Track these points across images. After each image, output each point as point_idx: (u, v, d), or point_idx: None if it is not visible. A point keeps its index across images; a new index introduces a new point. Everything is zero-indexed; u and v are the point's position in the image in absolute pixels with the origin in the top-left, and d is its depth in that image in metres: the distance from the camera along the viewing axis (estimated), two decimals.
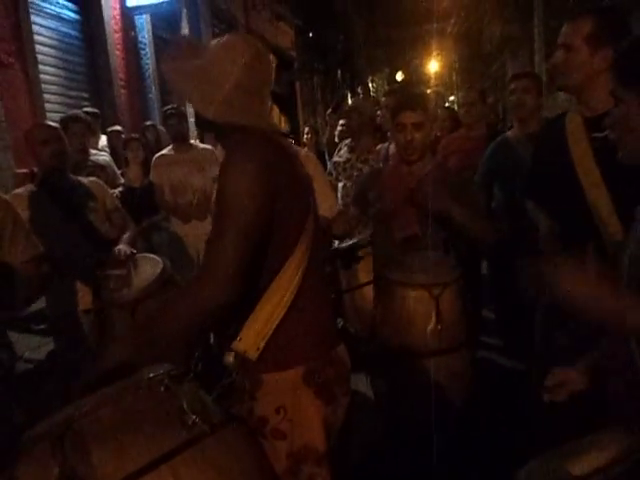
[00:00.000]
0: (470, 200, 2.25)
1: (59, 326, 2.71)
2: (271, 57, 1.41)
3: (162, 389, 1.11)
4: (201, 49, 1.40)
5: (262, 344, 1.31)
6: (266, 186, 1.26)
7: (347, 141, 4.26)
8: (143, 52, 7.56)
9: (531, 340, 2.07)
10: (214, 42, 1.40)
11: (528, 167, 2.13)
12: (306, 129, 6.34)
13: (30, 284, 1.90)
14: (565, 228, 1.91)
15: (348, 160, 4.07)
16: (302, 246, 1.36)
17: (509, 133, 3.14)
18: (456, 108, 7.25)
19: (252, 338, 1.31)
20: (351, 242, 2.93)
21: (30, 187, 2.67)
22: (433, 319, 1.97)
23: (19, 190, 2.66)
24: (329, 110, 6.49)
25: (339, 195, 3.94)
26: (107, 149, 4.87)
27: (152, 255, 2.64)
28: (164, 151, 4.11)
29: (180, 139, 3.99)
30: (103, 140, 5.05)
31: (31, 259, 1.89)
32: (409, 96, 2.69)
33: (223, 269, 1.21)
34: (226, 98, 1.31)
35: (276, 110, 3.05)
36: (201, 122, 1.40)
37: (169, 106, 4.31)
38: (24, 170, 4.73)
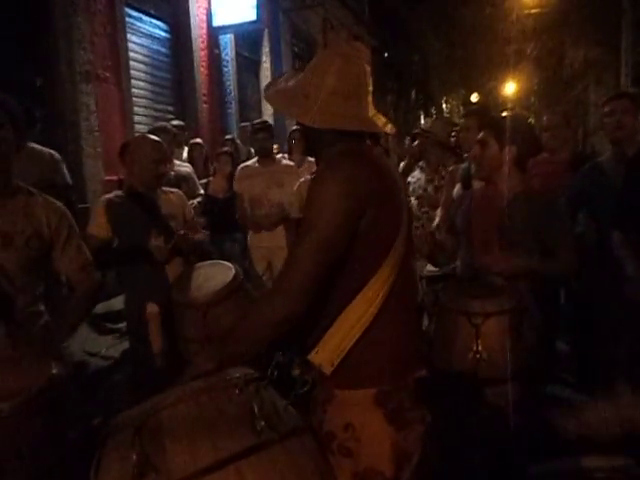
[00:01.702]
0: (557, 225, 2.18)
1: (135, 326, 2.80)
2: (363, 60, 1.43)
3: (236, 392, 1.14)
4: (298, 73, 1.46)
5: (337, 360, 1.31)
6: (351, 203, 1.27)
7: (421, 162, 4.33)
8: (225, 69, 7.89)
9: (607, 376, 1.98)
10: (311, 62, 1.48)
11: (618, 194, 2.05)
12: None
13: (82, 291, 1.97)
14: None
15: (418, 180, 4.18)
16: (389, 265, 1.33)
17: (602, 158, 3.01)
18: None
19: (328, 353, 1.31)
20: (438, 270, 2.93)
21: (118, 193, 2.80)
22: (473, 348, 1.91)
23: (109, 195, 2.79)
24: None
25: None
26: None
27: (224, 262, 2.72)
28: (248, 163, 4.23)
29: (264, 153, 4.09)
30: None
31: (82, 267, 1.95)
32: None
33: (296, 282, 1.25)
34: (323, 105, 1.34)
35: None
36: (307, 139, 1.50)
37: (258, 120, 4.44)
38: (113, 177, 5.03)
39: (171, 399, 1.14)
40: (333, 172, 1.29)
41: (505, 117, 2.51)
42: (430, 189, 4.08)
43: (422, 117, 20.53)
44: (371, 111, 1.41)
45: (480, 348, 1.90)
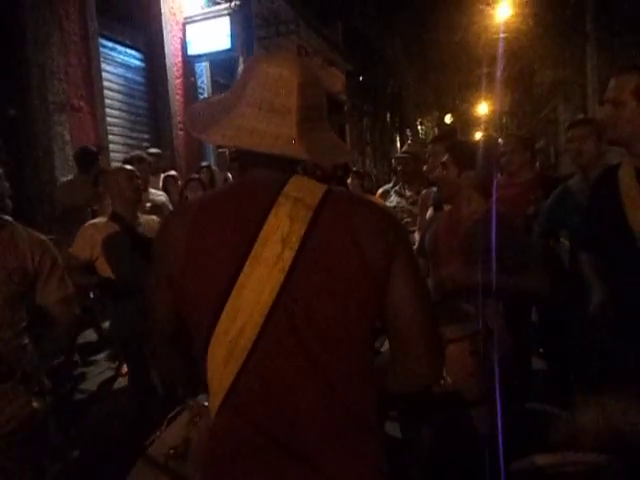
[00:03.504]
0: (523, 248, 2.21)
1: (132, 349, 2.84)
2: (298, 67, 1.07)
3: None
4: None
5: None
6: (163, 265, 1.07)
7: (397, 187, 4.40)
8: (201, 96, 7.94)
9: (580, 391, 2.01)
10: None
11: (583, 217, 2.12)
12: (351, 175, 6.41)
13: (60, 324, 1.99)
14: (618, 279, 1.89)
15: (398, 204, 4.24)
16: (220, 355, 0.99)
17: (571, 181, 3.07)
18: None
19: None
20: None
21: (103, 219, 2.98)
22: None
23: (95, 220, 3.02)
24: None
25: None
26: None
27: None
28: None
29: None
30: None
31: (62, 299, 1.97)
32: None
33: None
34: (237, 120, 1.05)
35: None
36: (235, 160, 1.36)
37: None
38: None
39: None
40: (163, 224, 1.14)
41: (467, 142, 2.57)
42: (415, 211, 4.08)
43: (397, 139, 20.86)
44: (309, 133, 1.06)
45: (444, 374, 1.87)
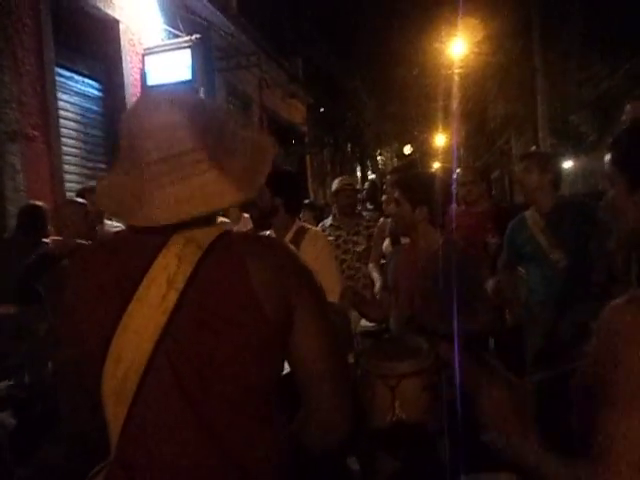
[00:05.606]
0: (472, 282, 2.22)
1: None
2: (176, 114, 0.96)
3: None
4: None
5: None
6: (63, 315, 1.06)
7: (328, 221, 4.41)
8: None
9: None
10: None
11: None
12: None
13: None
14: None
15: (339, 237, 4.24)
16: (115, 375, 0.93)
17: (527, 213, 3.15)
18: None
19: None
20: (373, 326, 2.94)
21: (56, 252, 2.91)
22: (390, 410, 1.87)
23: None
24: None
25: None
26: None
27: None
28: None
29: None
30: None
31: None
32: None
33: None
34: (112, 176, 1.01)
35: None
36: None
37: None
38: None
39: None
40: (66, 272, 1.09)
41: (418, 176, 2.60)
42: (361, 240, 4.16)
43: (358, 169, 21.17)
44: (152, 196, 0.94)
45: (398, 410, 1.86)
